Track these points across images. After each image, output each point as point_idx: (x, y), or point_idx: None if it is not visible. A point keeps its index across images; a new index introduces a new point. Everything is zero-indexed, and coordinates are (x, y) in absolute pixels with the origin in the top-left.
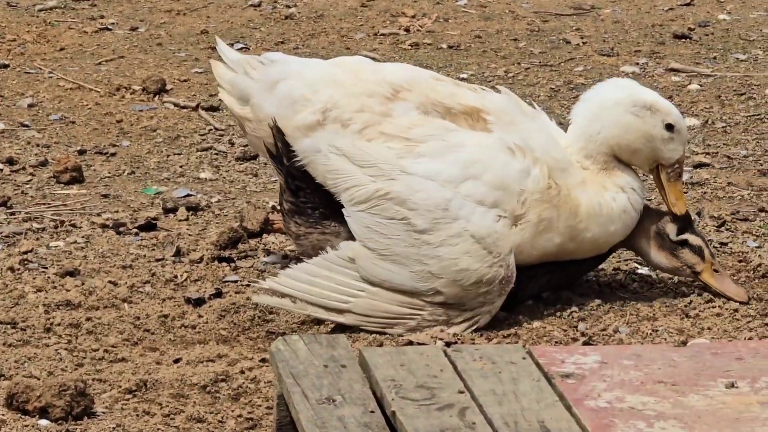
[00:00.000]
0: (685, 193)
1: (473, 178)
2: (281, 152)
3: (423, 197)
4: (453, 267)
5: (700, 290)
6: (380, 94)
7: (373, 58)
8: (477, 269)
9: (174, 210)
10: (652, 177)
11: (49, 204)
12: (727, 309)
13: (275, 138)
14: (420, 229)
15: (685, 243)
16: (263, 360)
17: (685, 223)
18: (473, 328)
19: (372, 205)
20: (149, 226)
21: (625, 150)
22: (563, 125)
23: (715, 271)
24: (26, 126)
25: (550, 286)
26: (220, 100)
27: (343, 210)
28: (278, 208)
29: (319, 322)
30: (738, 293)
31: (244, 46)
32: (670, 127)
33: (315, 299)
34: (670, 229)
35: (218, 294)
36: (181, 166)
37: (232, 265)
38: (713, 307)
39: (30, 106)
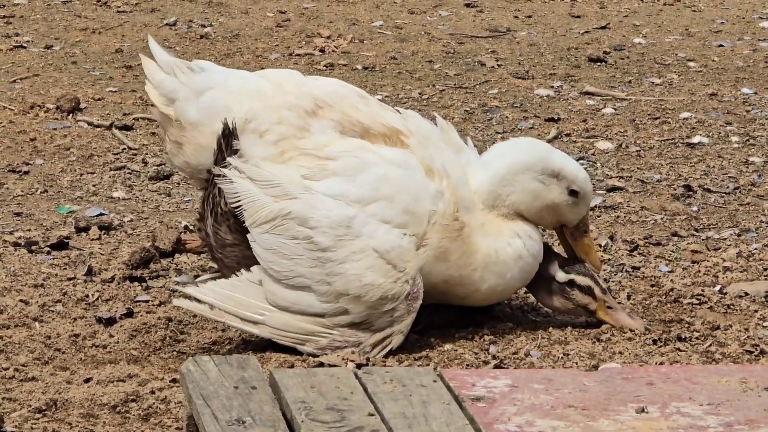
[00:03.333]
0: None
1: (383, 200)
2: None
3: (325, 215)
4: (356, 282)
5: None
6: (300, 108)
7: None
8: (381, 284)
9: (86, 229)
10: (556, 233)
11: None
12: (638, 334)
13: (219, 144)
14: (323, 247)
15: (573, 284)
16: (174, 380)
17: (572, 263)
18: (386, 350)
19: (275, 225)
20: (61, 245)
21: (532, 214)
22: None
23: (609, 307)
24: None
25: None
26: (147, 103)
27: (248, 235)
28: (191, 227)
29: (230, 342)
30: (634, 325)
31: None
32: (574, 193)
33: (231, 309)
34: (556, 271)
35: (129, 314)
36: (94, 185)
37: (144, 284)
38: (624, 332)
39: None
